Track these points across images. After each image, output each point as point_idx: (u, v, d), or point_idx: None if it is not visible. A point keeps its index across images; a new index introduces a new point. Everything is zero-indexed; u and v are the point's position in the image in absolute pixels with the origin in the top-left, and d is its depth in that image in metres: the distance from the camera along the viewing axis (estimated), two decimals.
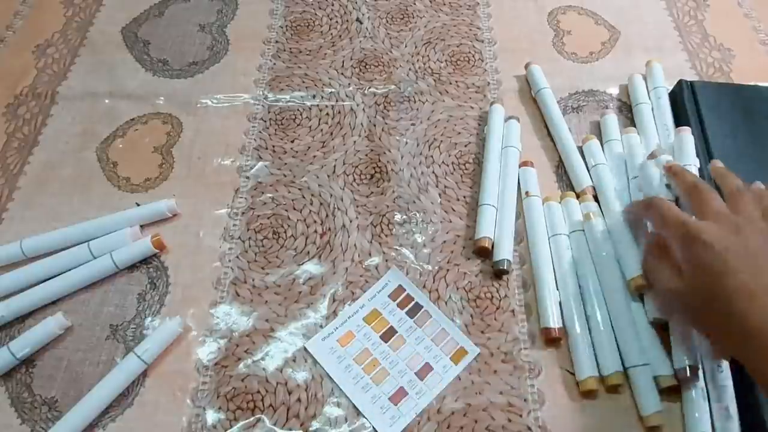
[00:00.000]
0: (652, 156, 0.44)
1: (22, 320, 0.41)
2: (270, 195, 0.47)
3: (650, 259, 0.38)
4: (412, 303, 0.42)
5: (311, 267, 0.44)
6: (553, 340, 0.40)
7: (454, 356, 0.40)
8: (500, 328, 0.41)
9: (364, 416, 0.37)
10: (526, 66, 0.54)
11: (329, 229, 0.45)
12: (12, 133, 0.51)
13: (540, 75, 0.52)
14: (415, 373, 0.39)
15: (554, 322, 0.40)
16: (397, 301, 0.42)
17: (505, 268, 0.42)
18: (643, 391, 0.37)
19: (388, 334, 0.41)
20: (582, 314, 0.40)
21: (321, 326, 0.41)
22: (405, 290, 0.42)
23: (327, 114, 0.52)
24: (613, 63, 0.55)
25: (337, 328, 0.41)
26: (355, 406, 0.38)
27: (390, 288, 0.43)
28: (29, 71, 0.55)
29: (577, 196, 0.46)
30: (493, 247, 0.43)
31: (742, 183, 0.38)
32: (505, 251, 0.43)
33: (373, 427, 0.37)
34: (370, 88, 0.54)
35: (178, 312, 0.42)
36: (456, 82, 0.54)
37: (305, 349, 0.40)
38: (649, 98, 0.51)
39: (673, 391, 0.37)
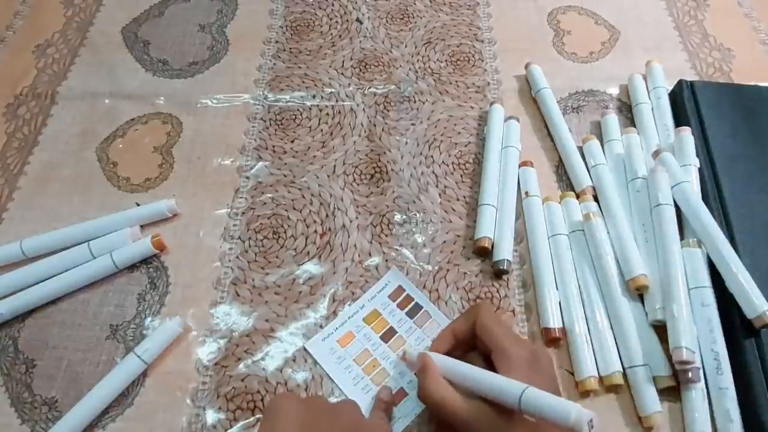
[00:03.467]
0: (656, 154, 0.44)
1: (21, 319, 0.41)
2: (270, 195, 0.47)
3: None
4: (412, 303, 0.42)
5: (311, 267, 0.44)
6: (553, 340, 0.40)
7: None
8: None
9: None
10: (526, 66, 0.54)
11: (329, 229, 0.45)
12: (12, 133, 0.51)
13: (540, 75, 0.52)
14: (416, 374, 0.39)
15: (554, 322, 0.40)
16: (397, 301, 0.42)
17: (505, 268, 0.42)
18: (642, 392, 0.37)
19: (388, 335, 0.41)
20: (582, 314, 0.40)
21: (321, 326, 0.41)
22: (405, 290, 0.42)
23: (327, 114, 0.52)
24: (613, 63, 0.55)
25: (337, 328, 0.41)
26: None
27: (390, 288, 0.43)
28: (29, 71, 0.55)
29: (577, 196, 0.46)
30: (493, 247, 0.43)
31: None
32: (505, 251, 0.43)
33: None
34: (370, 88, 0.54)
35: (178, 312, 0.42)
36: (456, 82, 0.54)
37: (305, 349, 0.40)
38: (649, 98, 0.51)
39: (673, 391, 0.37)
